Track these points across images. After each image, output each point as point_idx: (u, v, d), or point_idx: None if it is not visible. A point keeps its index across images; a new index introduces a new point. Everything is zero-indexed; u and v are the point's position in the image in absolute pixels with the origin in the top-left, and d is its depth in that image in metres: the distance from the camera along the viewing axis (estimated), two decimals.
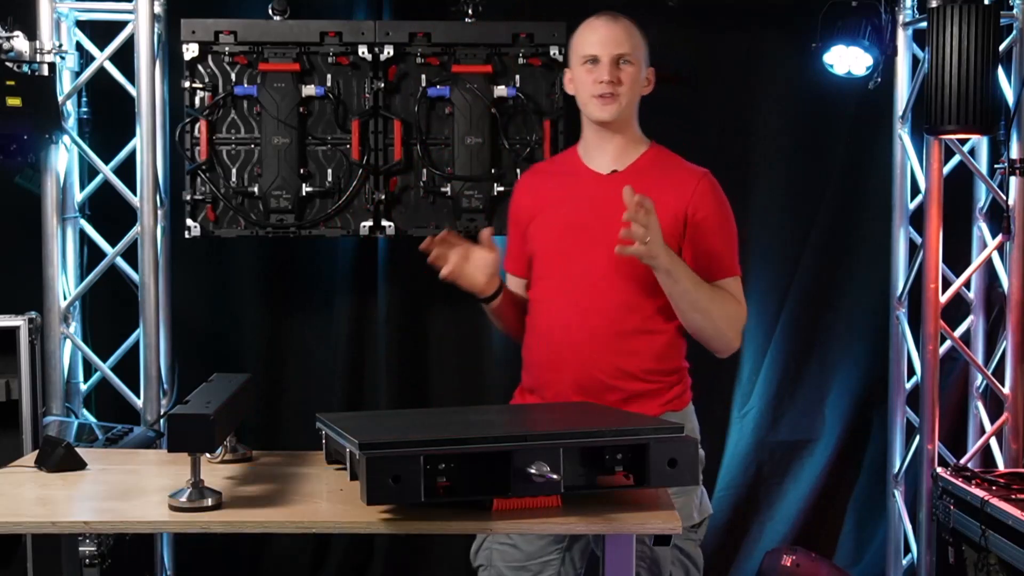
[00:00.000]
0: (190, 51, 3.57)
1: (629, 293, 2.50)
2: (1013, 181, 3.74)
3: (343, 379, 4.11)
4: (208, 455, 2.24)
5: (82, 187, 3.83)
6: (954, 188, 3.82)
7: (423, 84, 3.60)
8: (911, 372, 3.95)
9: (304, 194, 3.61)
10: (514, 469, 1.82)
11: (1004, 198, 3.74)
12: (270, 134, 3.58)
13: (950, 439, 3.97)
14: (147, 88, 3.61)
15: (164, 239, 3.77)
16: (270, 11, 3.59)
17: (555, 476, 1.82)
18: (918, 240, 3.87)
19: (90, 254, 3.85)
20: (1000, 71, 3.64)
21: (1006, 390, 3.82)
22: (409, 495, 1.79)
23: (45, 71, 3.59)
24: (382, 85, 3.59)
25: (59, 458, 2.20)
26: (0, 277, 3.85)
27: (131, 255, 3.74)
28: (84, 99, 3.80)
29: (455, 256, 2.51)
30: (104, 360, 3.80)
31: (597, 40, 2.53)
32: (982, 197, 3.93)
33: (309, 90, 3.58)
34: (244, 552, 4.13)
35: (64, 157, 3.73)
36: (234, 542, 4.07)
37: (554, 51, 3.59)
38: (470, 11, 3.62)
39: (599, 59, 2.52)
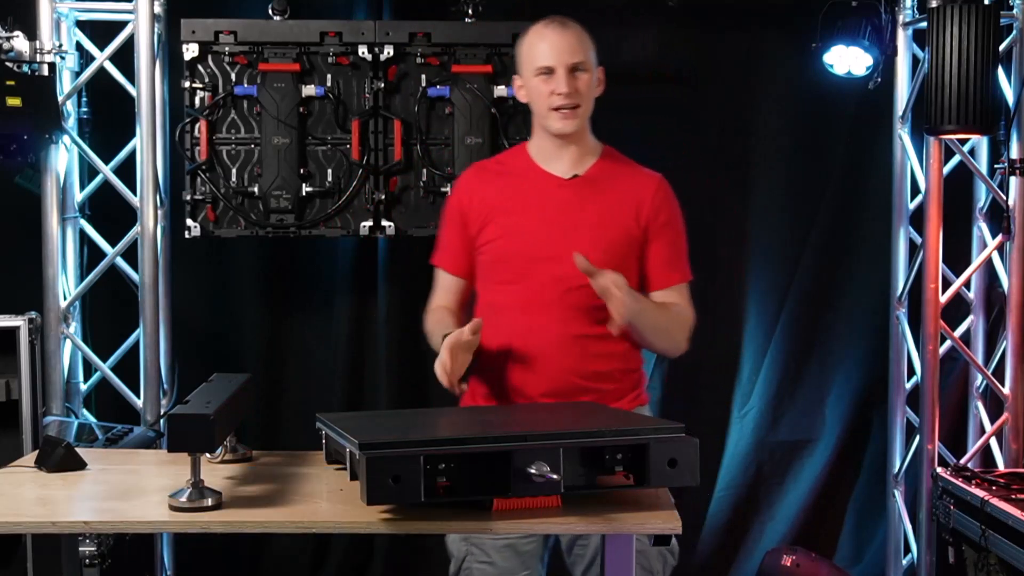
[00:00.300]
0: (190, 51, 3.57)
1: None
2: (1013, 181, 3.74)
3: (343, 379, 4.11)
4: (208, 455, 2.24)
5: (82, 187, 3.83)
6: (954, 188, 3.82)
7: (423, 84, 3.60)
8: (911, 372, 3.95)
9: (304, 194, 3.61)
10: (514, 469, 1.82)
11: (1004, 198, 3.74)
12: (270, 134, 3.58)
13: (950, 439, 3.97)
14: (147, 88, 3.61)
15: (164, 239, 3.77)
16: (270, 11, 3.59)
17: (555, 476, 1.82)
18: (918, 240, 3.87)
19: (90, 254, 3.85)
20: (1000, 71, 3.64)
21: (1006, 390, 3.82)
22: (409, 495, 1.79)
23: (45, 71, 3.59)
24: (382, 85, 3.59)
25: (59, 458, 2.19)
26: (0, 277, 3.85)
27: (131, 255, 3.74)
28: (84, 99, 3.80)
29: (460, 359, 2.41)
30: (104, 360, 3.80)
31: (550, 50, 2.48)
32: (982, 197, 3.93)
33: (309, 90, 3.58)
34: (244, 552, 4.13)
35: (64, 157, 3.73)
36: (234, 542, 4.07)
37: None
38: (470, 11, 3.62)
39: (554, 70, 2.48)
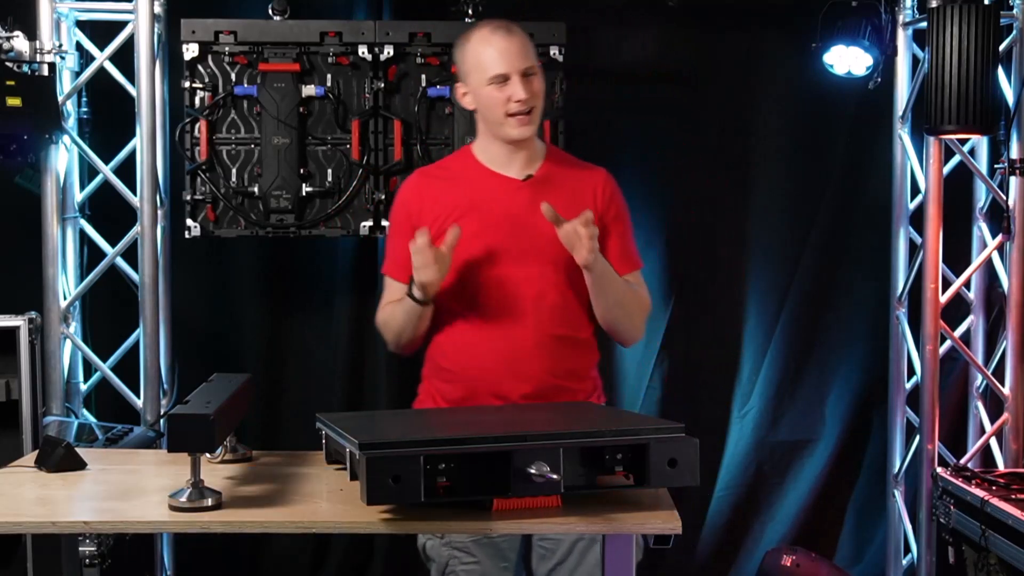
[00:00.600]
0: (190, 51, 3.57)
1: (564, 296, 2.52)
2: (1013, 181, 3.74)
3: (343, 379, 4.11)
4: (208, 455, 2.24)
5: (82, 187, 3.83)
6: (954, 188, 3.82)
7: (423, 84, 3.60)
8: (911, 372, 3.95)
9: (304, 194, 3.61)
10: (514, 469, 1.82)
11: (1004, 198, 3.74)
12: (270, 134, 3.58)
13: (950, 439, 3.97)
14: (147, 88, 3.61)
15: (164, 239, 3.77)
16: (270, 11, 3.59)
17: (555, 476, 1.82)
18: (918, 240, 3.87)
19: (90, 254, 3.85)
20: (1000, 71, 3.64)
21: (1006, 390, 3.82)
22: (409, 495, 1.79)
23: (45, 71, 3.59)
24: (382, 85, 3.59)
25: (59, 458, 2.19)
26: (0, 277, 3.85)
27: (131, 255, 3.74)
28: (84, 99, 3.80)
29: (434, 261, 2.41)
30: (104, 360, 3.80)
31: (501, 57, 2.46)
32: (982, 197, 3.93)
33: (309, 90, 3.58)
34: (244, 552, 4.13)
35: (64, 157, 3.73)
36: (234, 542, 4.07)
37: (554, 51, 3.59)
38: (470, 11, 3.62)
39: (509, 76, 2.46)
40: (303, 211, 3.63)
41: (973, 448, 3.89)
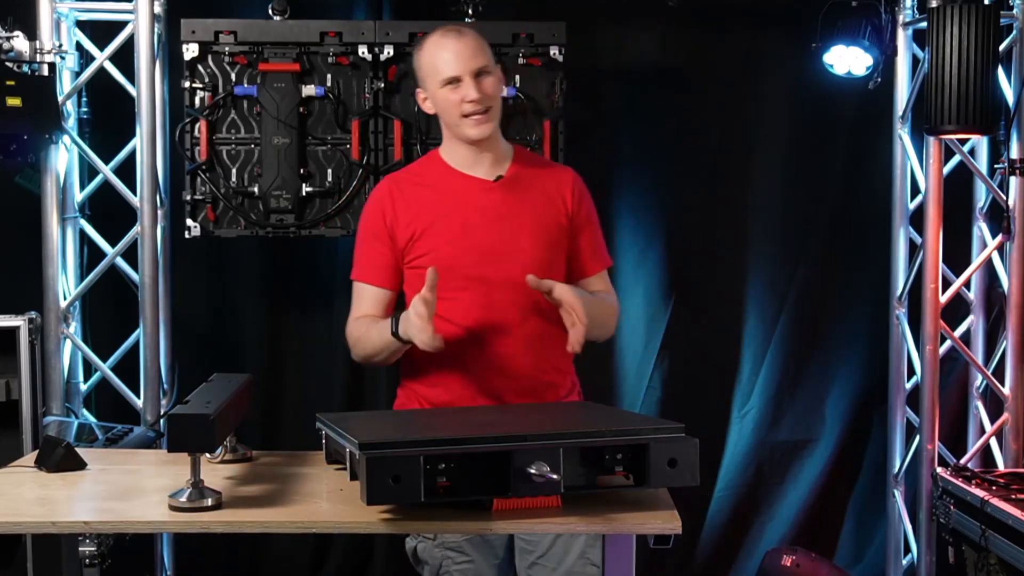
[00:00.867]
0: (190, 51, 3.57)
1: (540, 295, 2.50)
2: (1013, 181, 3.74)
3: (343, 379, 4.11)
4: (208, 455, 2.24)
5: (82, 187, 3.83)
6: (954, 188, 3.82)
7: None
8: (911, 372, 3.95)
9: (304, 194, 3.61)
10: (514, 469, 1.82)
11: (1004, 198, 3.74)
12: (270, 134, 3.58)
13: (950, 439, 3.97)
14: (147, 88, 3.61)
15: (164, 239, 3.77)
16: (270, 11, 3.59)
17: (555, 476, 1.82)
18: (918, 240, 3.87)
19: (90, 254, 3.85)
20: (1000, 71, 3.64)
21: (1006, 390, 3.82)
22: (409, 495, 1.79)
23: (45, 71, 3.59)
24: (382, 85, 3.59)
25: (59, 458, 2.19)
26: (0, 277, 3.85)
27: (131, 255, 3.74)
28: (84, 99, 3.80)
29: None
30: (104, 360, 3.80)
31: (453, 59, 2.48)
32: (982, 197, 3.93)
33: (309, 90, 3.58)
34: (244, 552, 4.13)
35: (64, 157, 3.73)
36: (234, 542, 4.07)
37: (554, 51, 3.59)
38: (470, 11, 3.62)
39: (461, 78, 2.48)
40: (303, 211, 3.63)
41: (973, 448, 3.89)
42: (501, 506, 1.86)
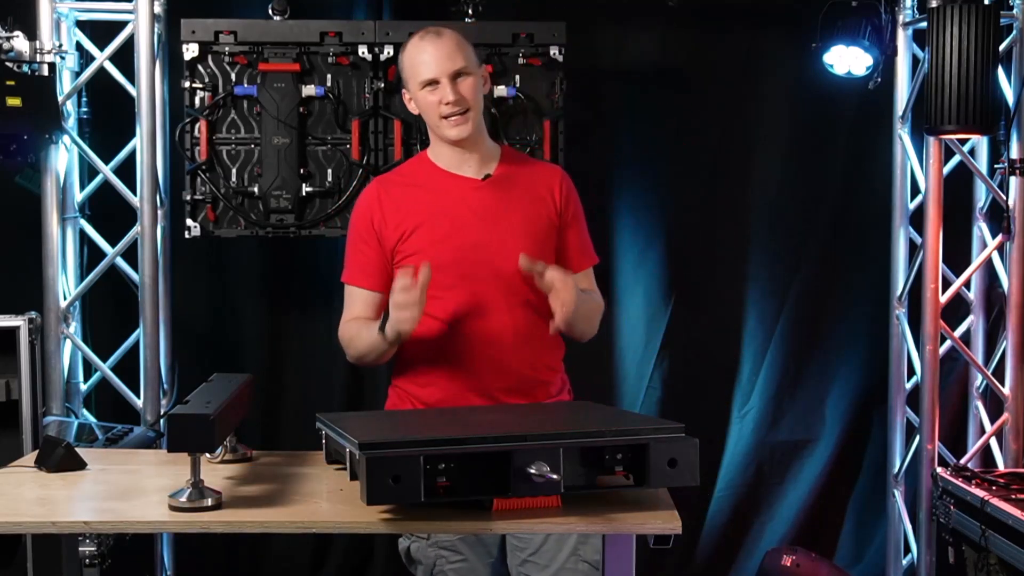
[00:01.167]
0: (190, 51, 3.57)
1: (531, 292, 2.52)
2: (1013, 181, 3.74)
3: (343, 379, 4.11)
4: (208, 455, 2.24)
5: (82, 187, 3.83)
6: (954, 188, 3.82)
7: None
8: (911, 372, 3.95)
9: (304, 194, 3.61)
10: (514, 469, 1.82)
11: (1004, 198, 3.74)
12: (270, 134, 3.58)
13: (950, 439, 3.97)
14: (147, 88, 3.61)
15: (164, 239, 3.77)
16: (270, 11, 3.59)
17: (555, 476, 1.82)
18: (918, 240, 3.87)
19: (90, 254, 3.85)
20: (1000, 71, 3.64)
21: (1006, 390, 3.82)
22: (409, 495, 1.79)
23: (45, 71, 3.59)
24: (382, 85, 3.60)
25: (59, 458, 2.19)
26: (0, 277, 3.85)
27: (131, 255, 3.74)
28: (84, 99, 3.80)
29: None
30: (104, 360, 3.80)
31: (430, 62, 2.51)
32: (982, 197, 3.93)
33: (309, 90, 3.58)
34: (244, 552, 4.13)
35: (64, 157, 3.73)
36: (234, 542, 4.07)
37: (554, 51, 3.59)
38: (470, 11, 3.62)
39: (438, 80, 2.50)
40: (303, 211, 3.63)
41: (973, 448, 3.89)
42: (501, 506, 1.86)
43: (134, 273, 3.75)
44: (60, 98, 3.63)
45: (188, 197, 3.61)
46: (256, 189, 3.60)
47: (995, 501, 3.18)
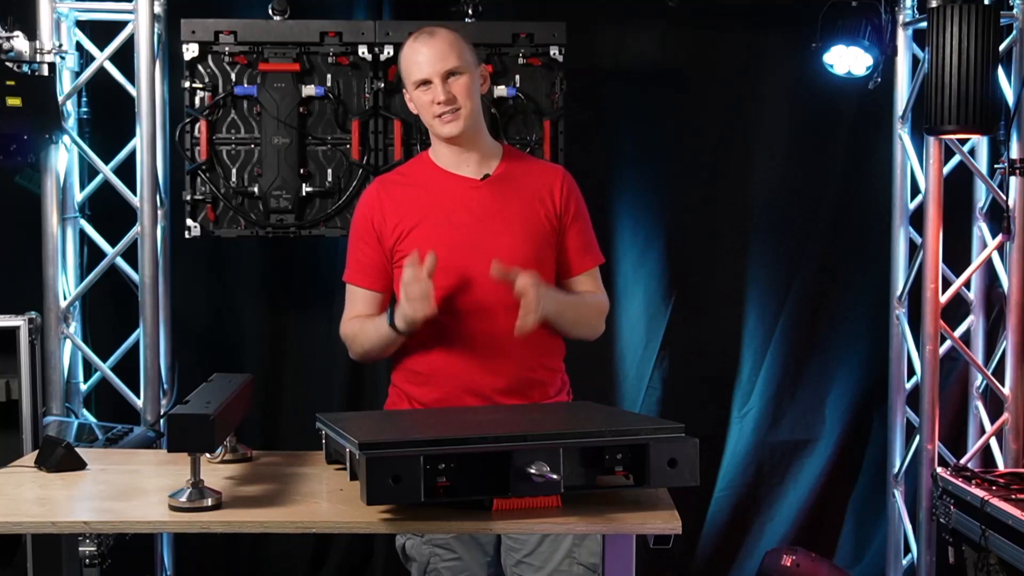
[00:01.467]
0: (190, 51, 3.57)
1: None
2: (1013, 181, 3.74)
3: (343, 379, 4.11)
4: (208, 455, 2.24)
5: (82, 187, 3.83)
6: (954, 188, 3.82)
7: None
8: (911, 372, 3.95)
9: (304, 194, 3.61)
10: (514, 469, 1.82)
11: (1004, 198, 3.74)
12: (270, 134, 3.58)
13: (950, 439, 3.97)
14: (147, 88, 3.61)
15: (164, 239, 3.77)
16: (270, 11, 3.59)
17: (555, 476, 1.82)
18: (918, 240, 3.87)
19: (90, 254, 3.85)
20: (1000, 71, 3.64)
21: (1006, 390, 3.82)
22: (409, 495, 1.79)
23: (45, 71, 3.59)
24: (382, 85, 3.60)
25: (59, 458, 2.19)
26: (0, 277, 3.85)
27: (131, 255, 3.74)
28: (84, 99, 3.80)
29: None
30: (104, 360, 3.80)
31: (423, 61, 2.52)
32: (982, 197, 3.93)
33: (309, 90, 3.58)
34: (244, 552, 4.13)
35: (64, 157, 3.73)
36: (234, 542, 4.07)
37: (554, 51, 3.59)
38: (470, 11, 3.62)
39: (430, 80, 2.52)
40: (303, 211, 3.63)
41: (973, 448, 3.89)
42: (501, 506, 1.86)
43: (134, 273, 3.75)
44: (60, 98, 3.63)
45: (188, 197, 3.61)
46: (256, 189, 3.60)
47: (995, 501, 3.18)
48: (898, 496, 3.99)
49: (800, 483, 4.22)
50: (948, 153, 3.80)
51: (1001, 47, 3.61)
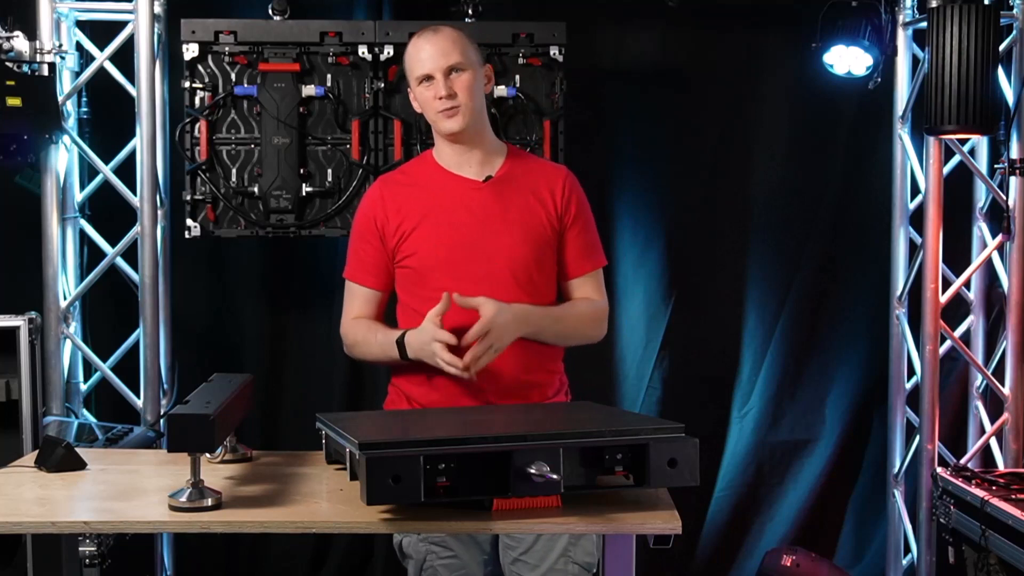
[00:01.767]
0: (190, 51, 3.57)
1: (528, 294, 2.54)
2: (1013, 181, 3.74)
3: (343, 379, 4.11)
4: (208, 455, 2.24)
5: (82, 187, 3.83)
6: (954, 188, 3.82)
7: None
8: (911, 372, 3.95)
9: (304, 194, 3.61)
10: (514, 469, 1.82)
11: (1004, 198, 3.74)
12: (270, 134, 3.59)
13: (950, 439, 3.97)
14: (147, 88, 3.61)
15: (164, 239, 3.77)
16: (270, 11, 3.59)
17: (555, 476, 1.82)
18: (918, 240, 3.87)
19: (90, 254, 3.85)
20: (1000, 71, 3.64)
21: (1006, 390, 3.82)
22: (409, 495, 1.79)
23: (45, 71, 3.59)
24: (382, 85, 3.60)
25: (59, 458, 2.19)
26: (0, 277, 3.84)
27: (131, 255, 3.74)
28: (84, 99, 3.80)
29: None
30: (104, 360, 3.80)
31: (425, 58, 2.53)
32: (982, 197, 3.93)
33: (309, 90, 3.58)
34: (244, 552, 4.13)
35: (64, 157, 3.73)
36: (234, 542, 4.07)
37: (554, 51, 3.59)
38: (470, 11, 3.62)
39: (432, 76, 2.53)
40: (303, 211, 3.63)
41: (973, 448, 3.89)
42: (501, 506, 1.86)
43: (134, 273, 3.75)
44: (60, 98, 3.63)
45: (188, 197, 3.61)
46: (256, 189, 3.60)
47: (995, 501, 3.18)
48: (898, 496, 3.99)
49: (800, 483, 4.22)
50: (948, 153, 3.80)
51: (1001, 47, 3.61)
